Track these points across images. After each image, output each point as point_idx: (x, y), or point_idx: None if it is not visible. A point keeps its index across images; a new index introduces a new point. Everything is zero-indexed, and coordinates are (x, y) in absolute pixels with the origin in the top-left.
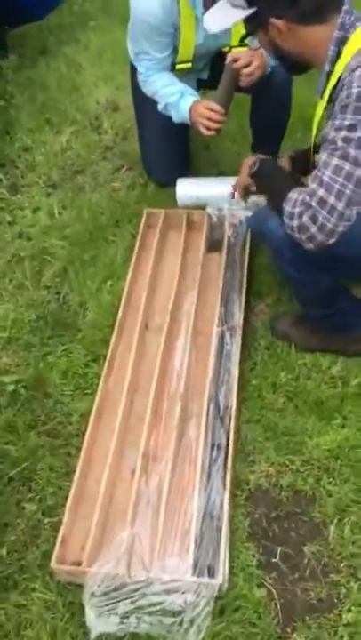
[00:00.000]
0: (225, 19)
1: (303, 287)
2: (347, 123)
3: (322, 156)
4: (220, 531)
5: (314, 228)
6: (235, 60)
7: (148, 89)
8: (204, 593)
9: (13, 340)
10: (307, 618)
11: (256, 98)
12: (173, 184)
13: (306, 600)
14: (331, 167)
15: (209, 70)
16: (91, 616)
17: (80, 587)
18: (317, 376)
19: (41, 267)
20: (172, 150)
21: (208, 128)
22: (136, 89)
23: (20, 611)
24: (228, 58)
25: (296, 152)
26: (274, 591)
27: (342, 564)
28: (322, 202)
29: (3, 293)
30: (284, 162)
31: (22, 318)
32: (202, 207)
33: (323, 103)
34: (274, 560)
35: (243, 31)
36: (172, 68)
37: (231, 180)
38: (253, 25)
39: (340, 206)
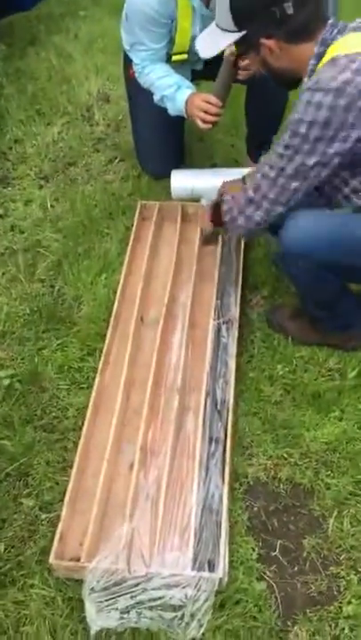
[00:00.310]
0: (217, 43)
1: (308, 291)
2: (285, 142)
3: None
4: (219, 524)
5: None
6: (233, 54)
7: (143, 80)
8: (204, 587)
9: (8, 334)
10: (307, 611)
11: (252, 88)
12: (167, 176)
13: (306, 593)
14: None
15: (204, 61)
16: (91, 611)
17: (79, 582)
18: (315, 369)
19: (34, 260)
20: (166, 142)
21: (205, 121)
22: (129, 80)
23: (19, 607)
24: (227, 51)
25: None
26: (274, 584)
27: (342, 557)
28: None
29: None
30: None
31: (16, 312)
32: (196, 199)
33: None
34: (273, 553)
35: None
36: (168, 59)
37: (226, 172)
38: (245, 46)
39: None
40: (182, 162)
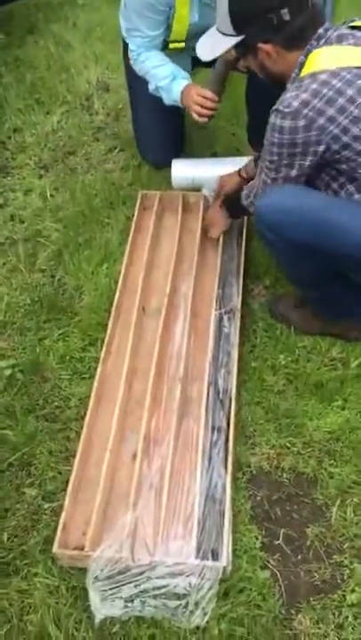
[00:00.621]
0: (216, 46)
1: (287, 267)
2: (267, 157)
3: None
4: (222, 513)
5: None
6: (230, 52)
7: (138, 67)
8: (208, 575)
9: (9, 324)
10: (311, 599)
11: (252, 77)
12: (168, 165)
13: (310, 581)
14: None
15: None
16: (95, 600)
17: (83, 571)
18: (317, 358)
19: (35, 250)
20: (166, 131)
21: (201, 114)
22: (129, 69)
23: (23, 596)
24: None
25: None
26: (278, 573)
27: (345, 545)
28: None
29: None
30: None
31: (17, 302)
32: (197, 189)
33: None
34: (277, 542)
35: None
36: (165, 47)
37: (227, 161)
38: (243, 50)
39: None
40: (182, 151)
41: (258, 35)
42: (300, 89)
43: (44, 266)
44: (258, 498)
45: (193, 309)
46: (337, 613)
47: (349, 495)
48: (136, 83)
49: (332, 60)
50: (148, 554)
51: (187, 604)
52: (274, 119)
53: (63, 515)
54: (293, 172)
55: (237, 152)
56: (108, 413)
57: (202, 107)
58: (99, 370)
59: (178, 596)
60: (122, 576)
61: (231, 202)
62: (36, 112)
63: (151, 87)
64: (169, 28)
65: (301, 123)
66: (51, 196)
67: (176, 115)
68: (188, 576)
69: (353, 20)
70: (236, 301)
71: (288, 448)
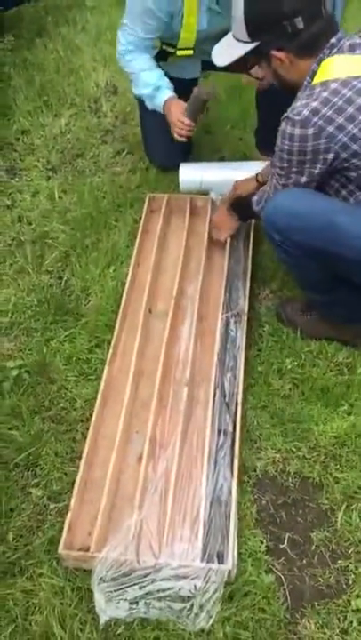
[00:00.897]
0: (231, 52)
1: (295, 270)
2: (277, 164)
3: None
4: (228, 517)
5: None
6: (204, 93)
7: (123, 64)
8: (213, 579)
9: (16, 325)
10: (316, 603)
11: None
12: (175, 168)
13: (314, 586)
14: (271, 185)
15: None
16: (100, 601)
17: (88, 572)
18: (323, 363)
19: (42, 251)
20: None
21: (180, 135)
22: None
23: (28, 596)
24: (195, 89)
25: None
26: (282, 577)
27: (351, 550)
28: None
29: (3, 278)
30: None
31: (24, 303)
32: (204, 192)
33: None
34: (282, 546)
35: None
36: (173, 54)
37: (234, 165)
38: (257, 56)
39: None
40: (190, 154)
41: (272, 42)
42: (311, 97)
43: (51, 267)
44: (263, 502)
45: (200, 312)
46: (342, 618)
47: (355, 500)
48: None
49: (343, 69)
50: (153, 556)
51: (192, 606)
52: (284, 126)
53: (69, 516)
54: (303, 179)
55: (245, 156)
56: (114, 415)
57: (181, 129)
58: (105, 371)
59: (183, 599)
60: (127, 578)
61: (241, 204)
62: (45, 114)
63: (135, 91)
64: (177, 36)
65: (311, 131)
66: (59, 197)
67: None
68: (193, 579)
69: None
70: (243, 305)
71: (294, 452)
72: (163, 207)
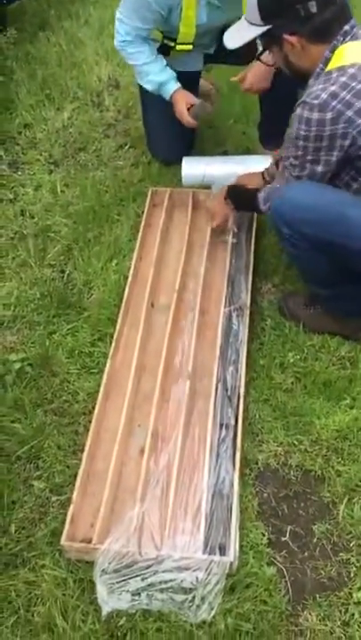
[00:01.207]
0: (243, 35)
1: (302, 264)
2: (292, 153)
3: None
4: (230, 509)
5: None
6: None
7: (125, 56)
8: (215, 571)
9: (18, 318)
10: (317, 596)
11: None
12: (178, 163)
13: (316, 578)
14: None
15: (215, 46)
16: (102, 593)
17: (89, 564)
18: (326, 357)
19: (45, 245)
20: (176, 128)
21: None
22: None
23: (30, 587)
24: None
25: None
26: (284, 569)
27: (352, 543)
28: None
29: (6, 271)
30: None
31: (26, 296)
32: (207, 187)
33: None
34: (284, 539)
35: None
36: (173, 48)
37: (237, 159)
38: (269, 41)
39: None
40: (193, 149)
41: (284, 26)
42: (329, 82)
43: (53, 261)
44: (265, 495)
45: (202, 306)
46: (343, 610)
47: (357, 493)
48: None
49: (359, 55)
50: (155, 548)
51: (193, 598)
52: (301, 111)
53: (71, 508)
54: (319, 168)
55: (248, 150)
56: (116, 408)
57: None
58: (107, 365)
59: (185, 591)
60: (129, 569)
61: (237, 193)
62: (47, 108)
63: (139, 82)
64: (176, 30)
65: (329, 115)
66: (61, 191)
67: None
68: (195, 571)
69: None
70: (245, 299)
71: (296, 446)
72: (165, 201)
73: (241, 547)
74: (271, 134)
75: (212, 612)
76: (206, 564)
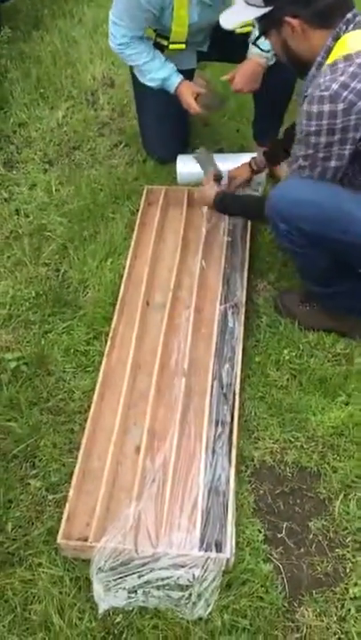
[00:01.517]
0: (241, 16)
1: (300, 260)
2: (302, 153)
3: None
4: (226, 506)
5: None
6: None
7: (124, 59)
8: (211, 567)
9: (13, 317)
10: (313, 592)
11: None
12: (173, 161)
13: (312, 574)
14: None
15: (209, 44)
16: (98, 591)
17: (86, 562)
18: (321, 354)
19: (40, 244)
20: (171, 127)
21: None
22: None
23: (27, 586)
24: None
25: (270, 146)
26: (280, 565)
27: (348, 539)
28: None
29: (1, 270)
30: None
31: (22, 295)
32: (201, 184)
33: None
34: (280, 535)
35: None
36: (166, 48)
37: (232, 157)
38: (268, 23)
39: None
40: (188, 147)
41: (285, 7)
42: (337, 72)
43: (48, 260)
44: (261, 491)
45: (197, 304)
46: (339, 606)
47: (352, 489)
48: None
49: None
50: (151, 545)
51: (190, 595)
52: (309, 107)
53: (67, 506)
54: (332, 164)
55: (242, 148)
56: (112, 406)
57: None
58: (103, 363)
59: (181, 588)
60: (125, 567)
61: (223, 200)
62: (42, 107)
63: (141, 80)
64: (168, 30)
65: (341, 106)
66: (56, 190)
67: (181, 111)
68: (191, 567)
69: None
70: (241, 296)
71: (291, 442)
72: (160, 199)
73: (237, 543)
74: (265, 131)
75: (209, 609)
76: (203, 561)
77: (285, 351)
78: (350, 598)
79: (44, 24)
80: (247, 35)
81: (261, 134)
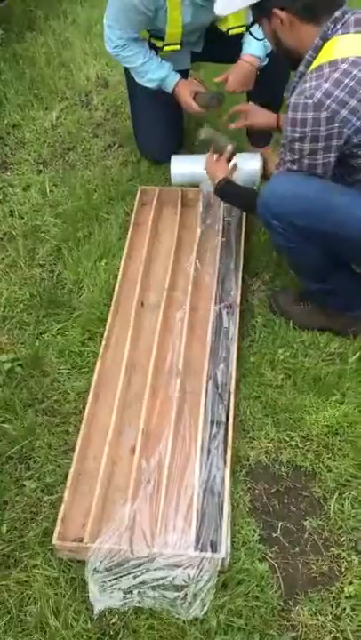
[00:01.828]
0: (234, 3)
1: (293, 257)
2: (288, 158)
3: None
4: (221, 506)
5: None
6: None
7: (121, 61)
8: (207, 567)
9: (8, 319)
10: (309, 591)
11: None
12: (167, 161)
13: (307, 573)
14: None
15: (203, 44)
16: (94, 592)
17: (81, 563)
18: (316, 353)
19: (34, 245)
20: (165, 127)
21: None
22: None
23: (22, 587)
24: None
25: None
26: (276, 565)
27: (343, 538)
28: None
29: None
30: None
31: (16, 297)
32: (195, 185)
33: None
34: (275, 535)
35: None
36: (161, 50)
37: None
38: (259, 12)
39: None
40: (181, 147)
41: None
42: (321, 78)
43: (43, 261)
44: (256, 491)
45: (192, 304)
46: (335, 605)
47: (347, 488)
48: (135, 80)
49: (350, 48)
50: (146, 546)
51: (185, 595)
52: (293, 113)
53: (62, 507)
54: (318, 170)
55: (236, 149)
56: (107, 407)
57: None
58: (98, 364)
59: (177, 588)
60: (121, 568)
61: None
62: (36, 108)
63: (138, 81)
64: (162, 32)
65: (324, 114)
66: (50, 191)
67: (175, 111)
68: (186, 568)
69: None
70: (235, 296)
71: (286, 442)
72: (154, 200)
73: (232, 543)
74: (259, 132)
75: (205, 609)
76: (198, 561)
77: (280, 351)
78: (345, 597)
79: (38, 25)
80: (240, 36)
81: (255, 135)
